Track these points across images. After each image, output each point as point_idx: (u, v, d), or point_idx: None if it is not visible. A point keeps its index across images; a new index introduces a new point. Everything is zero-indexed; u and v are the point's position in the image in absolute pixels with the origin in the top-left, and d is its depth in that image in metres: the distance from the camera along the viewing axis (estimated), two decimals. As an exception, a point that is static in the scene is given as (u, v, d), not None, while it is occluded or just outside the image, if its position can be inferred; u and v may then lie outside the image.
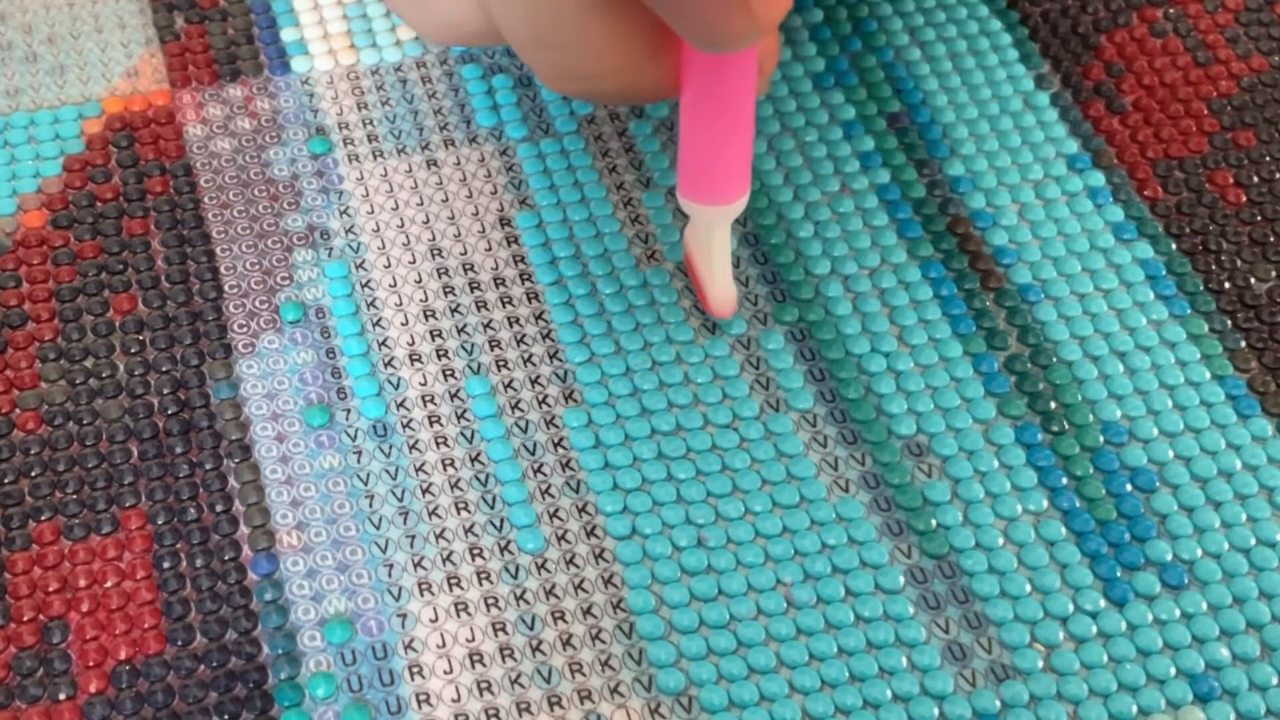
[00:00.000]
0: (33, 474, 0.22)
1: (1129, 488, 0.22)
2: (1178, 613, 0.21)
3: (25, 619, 0.20)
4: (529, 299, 0.24)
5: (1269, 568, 0.21)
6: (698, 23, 0.18)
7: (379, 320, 0.23)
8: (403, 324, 0.23)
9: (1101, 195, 0.25)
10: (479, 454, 0.22)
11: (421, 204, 0.25)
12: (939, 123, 0.26)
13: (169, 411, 0.22)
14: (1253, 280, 0.24)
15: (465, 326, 0.23)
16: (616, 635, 0.20)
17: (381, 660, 0.20)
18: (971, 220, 0.25)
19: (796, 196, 0.25)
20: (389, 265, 0.24)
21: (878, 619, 0.20)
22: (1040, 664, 0.20)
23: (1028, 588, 0.21)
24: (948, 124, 0.26)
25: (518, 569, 0.21)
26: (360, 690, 0.20)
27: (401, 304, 0.24)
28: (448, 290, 0.24)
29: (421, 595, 0.21)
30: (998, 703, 0.20)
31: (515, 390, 0.23)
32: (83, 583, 0.21)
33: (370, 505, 0.21)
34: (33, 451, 0.22)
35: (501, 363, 0.23)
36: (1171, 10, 0.28)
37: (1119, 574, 0.21)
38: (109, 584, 0.21)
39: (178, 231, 0.25)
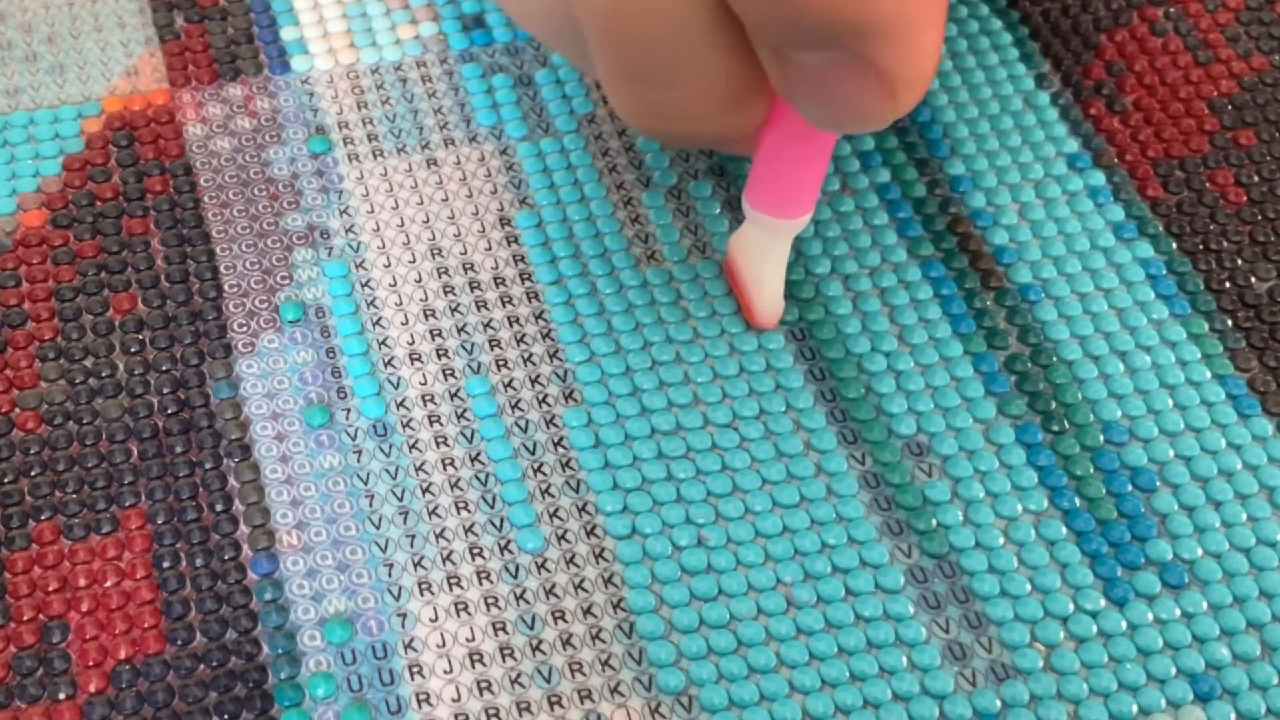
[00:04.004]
0: (33, 474, 0.22)
1: (1129, 487, 0.22)
2: (1178, 612, 0.21)
3: (25, 618, 0.20)
4: (529, 299, 0.24)
5: (1269, 567, 0.21)
6: (835, 106, 0.16)
7: (379, 320, 0.23)
8: (403, 323, 0.23)
9: (1102, 194, 0.25)
10: (479, 453, 0.22)
11: (421, 204, 0.25)
12: (939, 122, 0.26)
13: (169, 411, 0.22)
14: (1253, 280, 0.24)
15: (465, 326, 0.23)
16: (616, 635, 0.20)
17: (381, 660, 0.20)
18: (972, 220, 0.25)
19: (797, 196, 0.25)
20: (389, 265, 0.24)
21: (878, 618, 0.20)
22: (1040, 663, 0.20)
23: (1028, 587, 0.21)
24: (948, 123, 0.26)
25: (518, 568, 0.21)
26: (360, 690, 0.20)
27: (401, 303, 0.24)
28: (448, 290, 0.24)
29: (421, 595, 0.21)
30: (998, 702, 0.20)
31: (515, 390, 0.23)
32: (83, 582, 0.21)
33: (370, 505, 0.21)
34: (33, 451, 0.22)
35: (501, 362, 0.23)
36: (1172, 9, 0.28)
37: (1119, 573, 0.21)
38: (109, 584, 0.21)
39: (177, 231, 0.25)
